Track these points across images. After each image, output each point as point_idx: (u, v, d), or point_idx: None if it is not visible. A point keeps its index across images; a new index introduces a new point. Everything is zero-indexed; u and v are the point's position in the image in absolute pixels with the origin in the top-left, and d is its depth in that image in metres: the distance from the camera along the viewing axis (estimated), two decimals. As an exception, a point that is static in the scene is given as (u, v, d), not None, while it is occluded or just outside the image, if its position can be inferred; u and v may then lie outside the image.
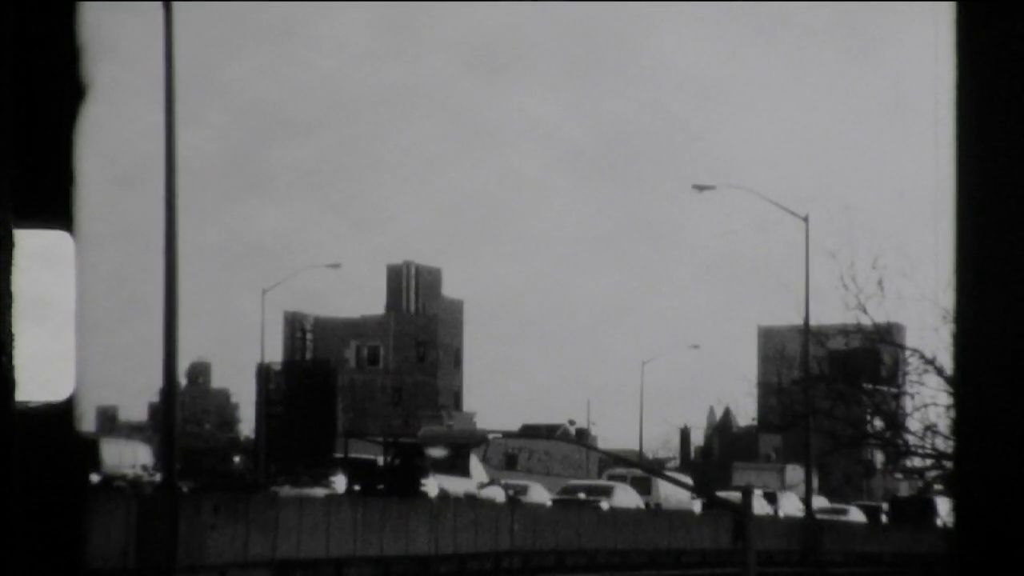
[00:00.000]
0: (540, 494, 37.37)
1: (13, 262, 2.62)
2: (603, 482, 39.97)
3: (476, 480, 34.07)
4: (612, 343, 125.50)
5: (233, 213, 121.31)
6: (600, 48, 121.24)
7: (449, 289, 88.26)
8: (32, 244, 2.64)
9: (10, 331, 2.58)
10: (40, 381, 2.61)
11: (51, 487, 2.58)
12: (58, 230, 2.67)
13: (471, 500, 31.03)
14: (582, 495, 36.03)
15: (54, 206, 2.67)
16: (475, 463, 35.01)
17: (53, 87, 2.67)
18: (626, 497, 36.86)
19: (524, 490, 36.74)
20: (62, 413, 2.62)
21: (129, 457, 30.57)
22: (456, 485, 32.45)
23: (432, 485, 31.34)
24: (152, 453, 32.19)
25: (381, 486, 30.87)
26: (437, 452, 35.09)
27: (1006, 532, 2.57)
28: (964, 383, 2.71)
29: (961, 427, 2.68)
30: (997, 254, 2.63)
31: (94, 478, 27.57)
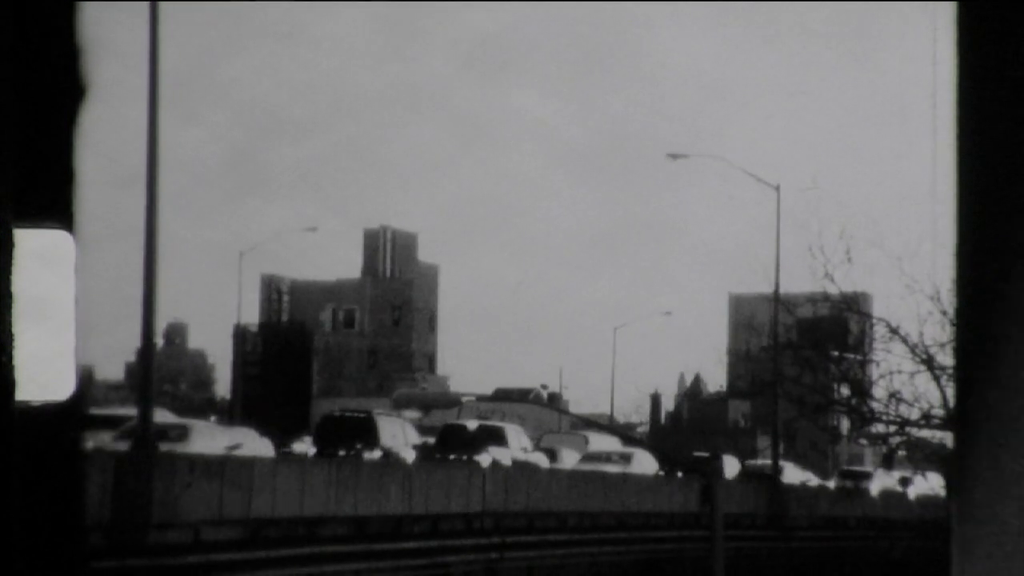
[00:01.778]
0: (647, 463, 37.16)
1: (13, 262, 2.62)
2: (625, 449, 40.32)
3: (519, 447, 34.56)
4: (585, 309, 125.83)
5: (233, 213, 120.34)
6: (600, 48, 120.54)
7: (425, 254, 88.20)
8: (32, 244, 2.64)
9: (10, 331, 2.59)
10: (40, 381, 2.62)
11: (51, 487, 2.60)
12: (58, 230, 2.67)
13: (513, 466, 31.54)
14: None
15: (54, 206, 2.67)
16: (515, 432, 35.42)
17: (53, 87, 2.67)
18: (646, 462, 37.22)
19: (628, 457, 36.79)
20: (62, 413, 2.64)
21: (401, 435, 31.84)
22: (501, 455, 33.05)
23: (486, 458, 31.91)
24: (416, 431, 32.97)
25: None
26: (411, 414, 35.22)
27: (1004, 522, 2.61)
28: (964, 379, 2.75)
29: (961, 421, 2.72)
30: (997, 252, 2.65)
31: (375, 454, 29.03)
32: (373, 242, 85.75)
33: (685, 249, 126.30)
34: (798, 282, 33.60)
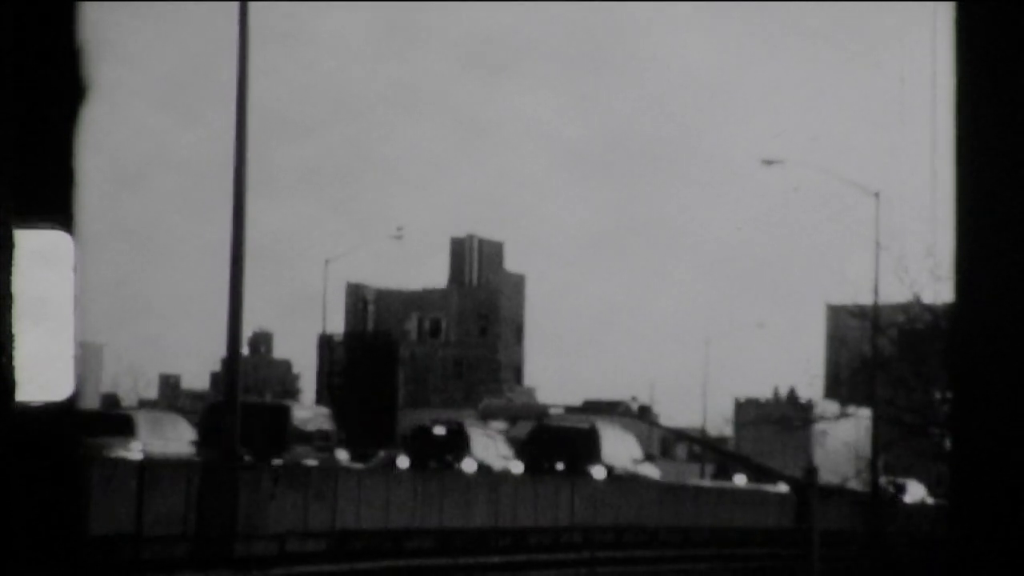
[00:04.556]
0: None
1: (13, 262, 2.63)
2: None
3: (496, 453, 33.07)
4: (675, 321, 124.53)
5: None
6: (600, 48, 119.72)
7: (511, 263, 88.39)
8: (32, 244, 2.65)
9: (10, 331, 2.60)
10: (40, 381, 2.63)
11: (51, 488, 2.60)
12: (58, 230, 2.68)
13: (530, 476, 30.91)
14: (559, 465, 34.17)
15: (54, 206, 2.68)
16: (482, 438, 32.96)
17: (53, 87, 2.68)
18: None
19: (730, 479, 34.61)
20: (62, 413, 2.64)
21: (492, 447, 31.71)
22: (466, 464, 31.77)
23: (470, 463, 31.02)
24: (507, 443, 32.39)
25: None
26: (497, 425, 35.10)
27: (1000, 527, 2.52)
28: (961, 376, 2.66)
29: (957, 420, 2.63)
30: (997, 253, 2.60)
31: (469, 466, 28.47)
32: (459, 250, 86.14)
33: (781, 258, 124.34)
34: (891, 293, 32.74)
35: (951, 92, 2.66)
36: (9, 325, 2.60)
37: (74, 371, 2.64)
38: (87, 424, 27.56)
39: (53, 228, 2.68)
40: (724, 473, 40.39)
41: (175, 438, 27.83)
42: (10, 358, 2.60)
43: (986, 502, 2.52)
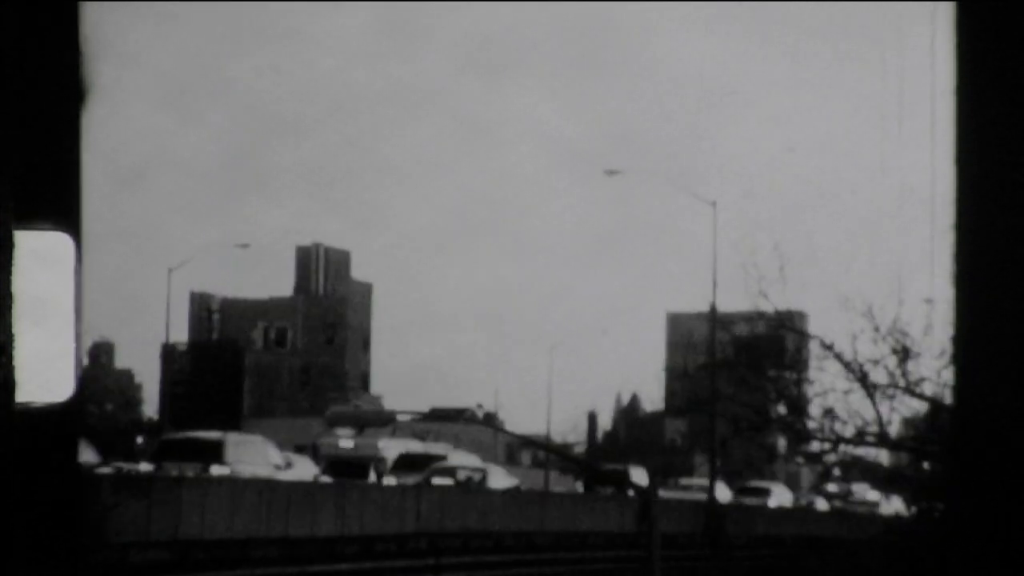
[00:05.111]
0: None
1: (13, 262, 2.60)
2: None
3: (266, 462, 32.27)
4: (520, 328, 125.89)
5: (233, 213, 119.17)
6: (600, 48, 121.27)
7: (358, 272, 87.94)
8: (32, 245, 2.63)
9: (10, 331, 2.57)
10: (40, 381, 2.61)
11: (51, 487, 2.58)
12: (58, 232, 2.66)
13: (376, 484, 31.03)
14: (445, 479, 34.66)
15: (55, 207, 2.65)
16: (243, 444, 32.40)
17: (54, 88, 2.65)
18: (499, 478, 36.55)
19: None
20: (62, 413, 2.62)
21: (260, 455, 31.00)
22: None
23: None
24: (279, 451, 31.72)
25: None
26: (345, 432, 34.83)
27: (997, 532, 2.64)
28: (963, 380, 2.78)
29: (958, 424, 2.75)
30: (997, 253, 2.70)
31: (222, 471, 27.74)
32: (305, 259, 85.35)
33: (623, 266, 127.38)
34: (735, 300, 34.02)
35: (951, 92, 2.75)
36: (9, 325, 2.57)
37: (76, 372, 2.63)
38: (177, 447, 28.05)
39: (54, 229, 2.66)
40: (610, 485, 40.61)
41: (262, 462, 28.89)
42: (10, 358, 2.57)
43: (984, 506, 2.62)
